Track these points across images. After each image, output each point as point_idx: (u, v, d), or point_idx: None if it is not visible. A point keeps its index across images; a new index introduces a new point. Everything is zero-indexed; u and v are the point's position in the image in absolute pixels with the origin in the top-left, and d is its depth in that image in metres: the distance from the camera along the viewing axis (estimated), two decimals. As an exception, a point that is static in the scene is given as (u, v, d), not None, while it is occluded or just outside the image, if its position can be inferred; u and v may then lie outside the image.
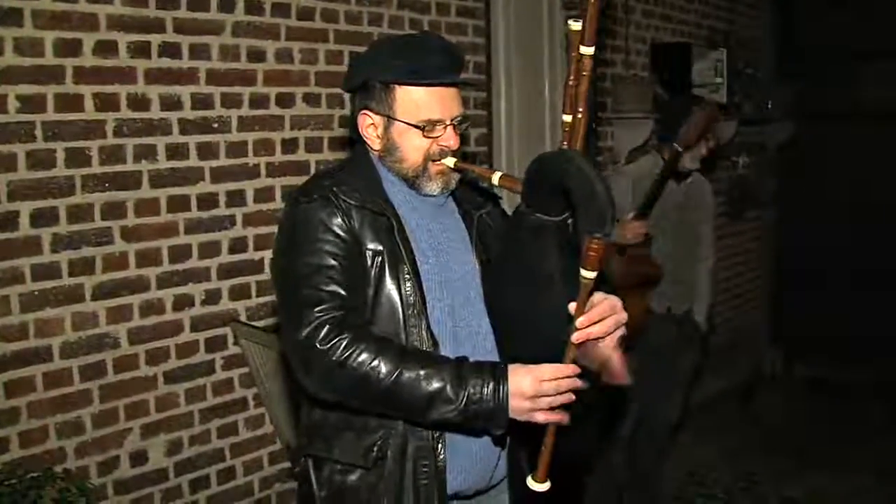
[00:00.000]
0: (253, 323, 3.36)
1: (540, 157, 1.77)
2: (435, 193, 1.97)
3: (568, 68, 1.68)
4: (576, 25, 1.63)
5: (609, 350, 1.73)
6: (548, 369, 1.72)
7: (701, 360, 4.27)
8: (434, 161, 1.94)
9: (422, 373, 1.73)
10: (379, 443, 1.88)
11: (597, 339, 1.70)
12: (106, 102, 2.93)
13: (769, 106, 6.39)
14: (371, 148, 1.99)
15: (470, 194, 2.09)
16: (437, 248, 1.98)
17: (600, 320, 1.70)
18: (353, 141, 2.07)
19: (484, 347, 1.95)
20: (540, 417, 1.73)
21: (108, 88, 2.94)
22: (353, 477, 1.90)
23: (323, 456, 1.94)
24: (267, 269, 3.36)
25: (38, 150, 2.79)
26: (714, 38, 5.94)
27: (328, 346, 1.74)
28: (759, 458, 5.04)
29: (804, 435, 5.40)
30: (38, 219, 2.80)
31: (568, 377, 1.71)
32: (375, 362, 1.73)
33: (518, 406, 1.72)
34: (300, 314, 1.78)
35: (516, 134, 4.50)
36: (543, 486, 1.82)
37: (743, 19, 6.48)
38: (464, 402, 1.72)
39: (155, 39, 3.04)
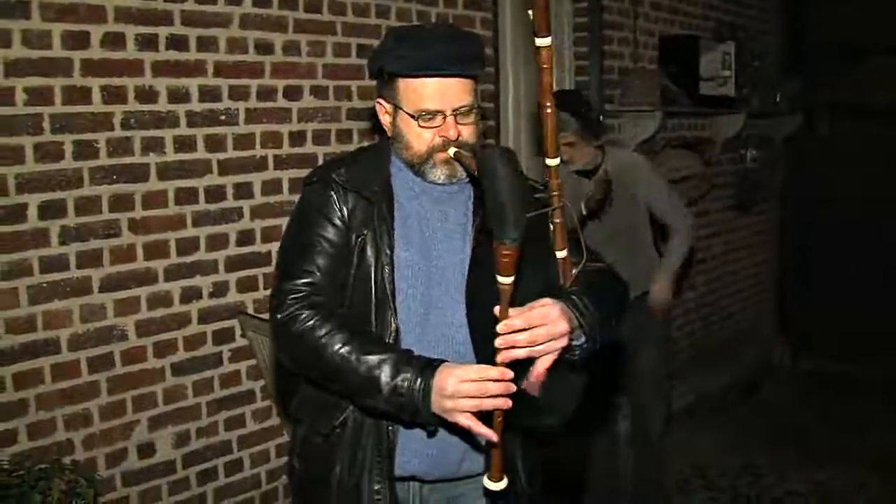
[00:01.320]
0: (260, 315, 3.35)
1: (485, 153, 1.75)
2: (440, 181, 2.00)
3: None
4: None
5: (542, 360, 1.75)
6: (472, 371, 1.75)
7: (662, 348, 4.11)
8: (437, 151, 1.97)
9: (362, 358, 1.82)
10: (339, 415, 1.99)
11: (526, 346, 1.72)
12: (113, 95, 2.93)
13: (777, 99, 6.36)
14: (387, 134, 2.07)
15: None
16: (429, 237, 2.01)
17: (529, 328, 1.71)
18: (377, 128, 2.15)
19: (455, 339, 1.98)
20: (461, 420, 1.75)
21: (116, 81, 2.94)
22: (316, 440, 2.04)
23: (301, 419, 2.11)
24: (274, 261, 3.36)
25: (46, 142, 2.79)
26: (722, 30, 5.92)
27: (287, 318, 1.88)
28: (764, 451, 5.04)
29: (810, 429, 5.40)
30: (46, 211, 2.80)
31: (495, 380, 1.72)
32: (325, 340, 1.84)
33: (438, 404, 1.76)
34: (276, 285, 1.96)
35: (524, 126, 4.50)
36: (500, 485, 1.83)
37: (751, 12, 6.46)
38: (389, 393, 1.79)
39: (162, 32, 3.04)
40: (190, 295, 3.19)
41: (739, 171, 6.38)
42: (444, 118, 1.95)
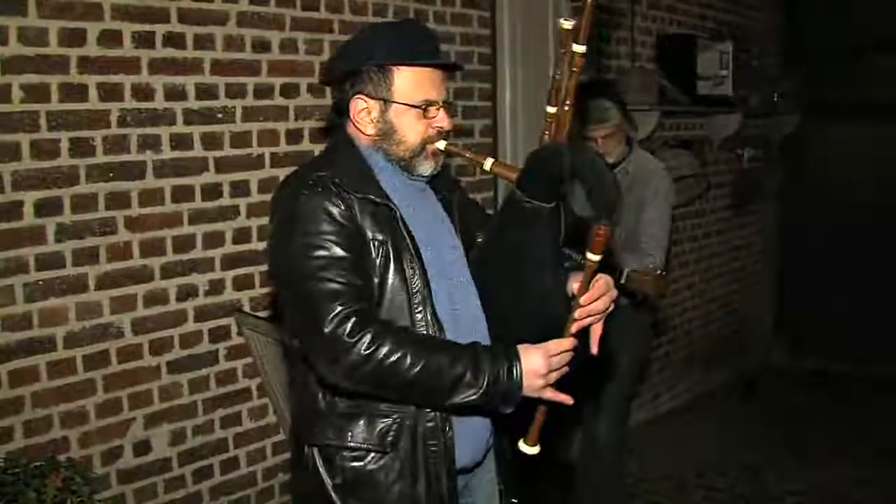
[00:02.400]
0: (257, 313, 3.36)
1: (544, 147, 1.86)
2: (427, 174, 2.03)
3: (559, 63, 1.76)
4: (567, 24, 1.73)
5: (597, 325, 1.91)
6: (553, 345, 1.84)
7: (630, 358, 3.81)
8: (429, 143, 1.99)
9: (444, 361, 1.81)
10: (394, 427, 1.94)
11: (598, 314, 1.87)
12: (110, 92, 2.93)
13: (775, 98, 6.37)
14: (363, 133, 2.01)
15: (440, 179, 2.12)
16: (432, 235, 2.03)
17: (599, 297, 1.85)
18: (329, 131, 2.11)
19: (477, 328, 2.01)
20: (548, 394, 1.86)
21: (113, 78, 2.93)
22: (368, 461, 1.94)
23: (333, 444, 1.96)
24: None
25: (43, 139, 2.79)
26: (720, 29, 5.93)
27: (355, 339, 1.79)
28: (762, 450, 5.04)
29: (807, 428, 5.40)
30: (43, 208, 2.80)
31: (569, 350, 1.86)
32: (399, 353, 1.79)
33: (532, 384, 1.83)
34: (321, 308, 1.81)
35: (521, 125, 4.50)
36: (534, 450, 1.98)
37: (749, 11, 6.47)
38: (484, 385, 1.81)
39: (159, 29, 3.03)
40: (186, 293, 3.18)
41: (737, 171, 6.39)
42: (438, 109, 1.98)
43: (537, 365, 1.82)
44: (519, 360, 1.82)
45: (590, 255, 1.77)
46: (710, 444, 5.17)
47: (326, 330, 1.79)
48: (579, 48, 1.70)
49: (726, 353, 6.37)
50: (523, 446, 1.97)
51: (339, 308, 1.80)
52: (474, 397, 1.82)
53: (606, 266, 1.92)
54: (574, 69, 1.72)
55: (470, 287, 2.04)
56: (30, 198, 2.77)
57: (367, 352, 1.78)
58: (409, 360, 1.79)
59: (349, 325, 1.79)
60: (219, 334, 3.29)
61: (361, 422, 1.94)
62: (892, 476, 4.66)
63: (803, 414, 5.72)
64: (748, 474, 4.76)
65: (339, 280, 1.83)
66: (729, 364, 6.39)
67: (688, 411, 5.80)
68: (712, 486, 4.64)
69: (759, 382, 6.39)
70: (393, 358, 1.78)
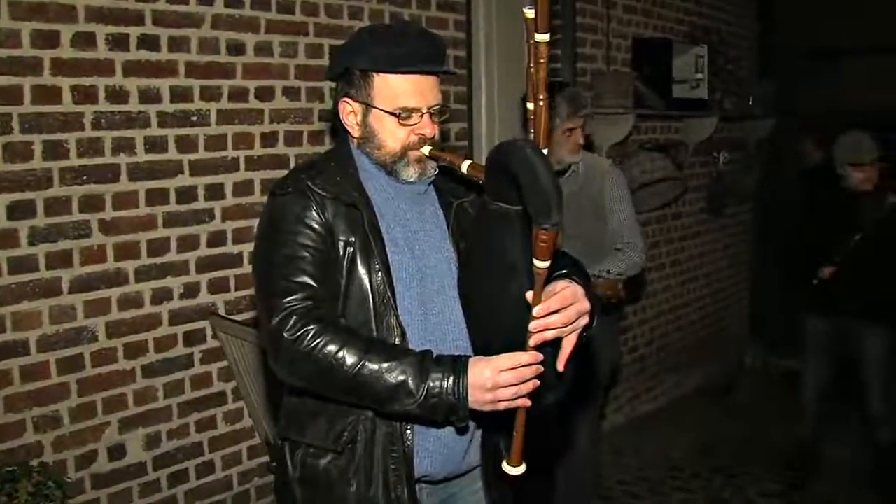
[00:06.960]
0: (232, 317, 3.35)
1: (497, 145, 1.79)
2: (412, 180, 2.00)
3: (527, 57, 1.68)
4: (530, 13, 1.64)
5: (569, 339, 1.75)
6: (507, 359, 1.73)
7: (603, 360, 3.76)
8: (411, 149, 1.97)
9: (384, 365, 1.77)
10: (349, 428, 1.93)
11: (558, 328, 1.72)
12: (84, 95, 2.92)
13: (750, 102, 6.42)
14: (351, 136, 2.03)
15: (451, 184, 2.11)
16: (412, 238, 2.00)
17: (561, 309, 1.71)
18: (336, 131, 2.09)
19: (455, 335, 1.98)
20: (502, 406, 1.76)
21: (87, 81, 2.92)
22: (324, 460, 1.96)
23: (297, 439, 2.00)
24: (246, 262, 3.36)
25: (16, 142, 2.78)
26: (695, 33, 5.96)
27: (295, 335, 1.79)
28: (737, 452, 5.08)
29: (783, 430, 5.43)
30: (15, 211, 2.79)
31: (529, 365, 1.73)
32: (340, 353, 1.77)
33: (479, 398, 1.75)
34: (271, 303, 1.85)
35: (497, 129, 4.51)
36: (518, 470, 1.86)
37: (725, 15, 6.51)
38: (423, 395, 1.76)
39: (134, 32, 3.03)
40: (161, 296, 3.17)
41: (712, 174, 6.43)
42: (421, 116, 1.95)
43: (481, 379, 1.73)
44: (465, 372, 1.75)
45: (536, 263, 1.65)
46: (685, 445, 5.20)
47: (272, 324, 1.82)
48: (541, 37, 1.61)
49: (702, 356, 6.41)
50: (507, 467, 1.87)
51: (286, 304, 1.82)
52: (412, 407, 1.77)
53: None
54: (541, 60, 1.64)
55: (451, 293, 1.99)
56: (2, 200, 2.76)
57: (306, 349, 1.78)
58: (348, 360, 1.77)
59: (291, 321, 1.80)
60: (194, 338, 3.29)
61: (321, 421, 1.95)
62: (866, 479, 4.69)
63: (779, 416, 5.74)
64: (723, 476, 4.79)
65: (293, 279, 1.85)
66: (704, 366, 6.42)
67: (664, 413, 5.83)
68: (687, 487, 4.67)
69: (734, 384, 6.42)
70: (331, 357, 1.77)
